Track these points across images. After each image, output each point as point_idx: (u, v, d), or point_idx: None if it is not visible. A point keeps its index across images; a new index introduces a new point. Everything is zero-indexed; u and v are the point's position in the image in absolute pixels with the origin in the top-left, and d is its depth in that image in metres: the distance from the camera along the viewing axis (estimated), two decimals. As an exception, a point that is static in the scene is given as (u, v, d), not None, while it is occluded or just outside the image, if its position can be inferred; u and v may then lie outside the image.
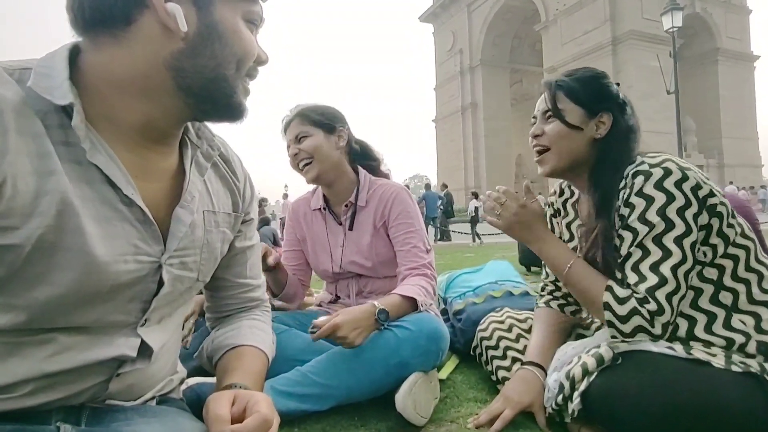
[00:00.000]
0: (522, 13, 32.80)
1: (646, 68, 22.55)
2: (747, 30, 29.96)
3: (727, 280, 0.97)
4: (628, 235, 0.97)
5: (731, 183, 20.95)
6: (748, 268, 0.97)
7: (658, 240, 0.93)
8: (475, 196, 12.02)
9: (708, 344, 0.94)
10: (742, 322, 0.94)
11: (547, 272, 1.35)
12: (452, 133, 36.81)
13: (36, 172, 0.53)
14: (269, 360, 0.85)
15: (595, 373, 0.91)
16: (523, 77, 36.84)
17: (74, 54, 0.59)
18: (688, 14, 19.05)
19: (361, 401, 1.19)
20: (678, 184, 0.93)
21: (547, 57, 29.05)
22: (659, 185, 0.94)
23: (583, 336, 1.22)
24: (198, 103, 0.63)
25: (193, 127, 0.73)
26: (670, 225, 0.92)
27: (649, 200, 0.94)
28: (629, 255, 0.96)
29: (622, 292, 0.94)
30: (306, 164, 1.44)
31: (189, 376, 0.91)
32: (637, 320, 0.91)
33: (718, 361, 0.88)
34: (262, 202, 13.25)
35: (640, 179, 0.96)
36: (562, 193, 1.29)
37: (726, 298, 0.96)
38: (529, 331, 1.33)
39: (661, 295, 0.91)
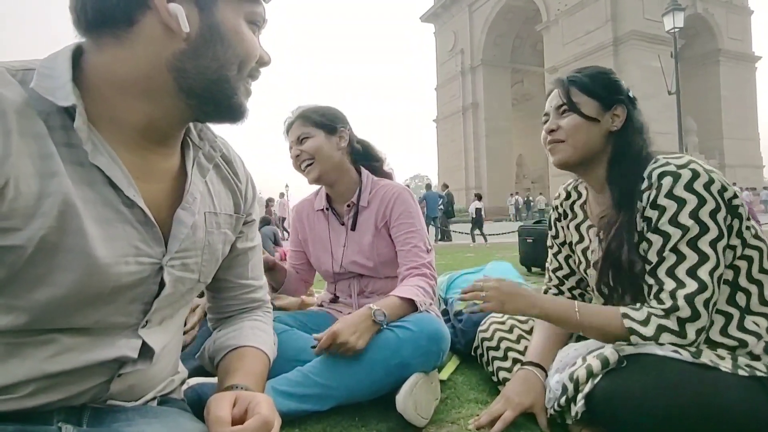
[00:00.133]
0: (523, 13, 32.79)
1: (648, 68, 22.53)
2: (748, 31, 29.93)
3: (743, 281, 0.96)
4: (657, 239, 0.95)
5: (734, 184, 20.89)
6: (762, 270, 0.97)
7: (693, 244, 0.91)
8: (478, 197, 11.99)
9: (721, 346, 0.93)
10: (755, 323, 0.94)
11: (550, 276, 1.35)
12: (453, 133, 36.80)
13: (38, 173, 0.53)
14: (270, 361, 0.85)
15: (600, 376, 0.90)
16: (524, 77, 36.83)
17: (77, 55, 0.59)
18: (689, 15, 19.02)
19: (362, 402, 1.19)
20: (707, 187, 0.92)
21: (548, 57, 29.03)
22: (689, 187, 0.92)
23: (584, 338, 1.22)
24: (199, 104, 0.63)
25: (195, 129, 0.73)
26: (704, 228, 0.91)
27: (681, 203, 0.92)
28: (663, 259, 0.94)
29: (639, 315, 0.93)
30: (308, 165, 1.45)
31: (190, 376, 0.92)
32: (666, 337, 0.90)
33: (726, 365, 0.88)
34: (269, 202, 13.29)
35: (668, 180, 0.94)
36: (568, 196, 1.27)
37: (741, 299, 0.96)
38: (530, 332, 1.33)
39: (699, 301, 0.89)
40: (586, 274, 1.20)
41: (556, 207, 1.31)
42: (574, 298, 1.31)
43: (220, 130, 0.76)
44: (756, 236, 0.97)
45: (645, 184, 0.98)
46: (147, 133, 0.63)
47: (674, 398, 0.84)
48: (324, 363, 1.18)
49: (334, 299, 1.59)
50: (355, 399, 1.18)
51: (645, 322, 0.92)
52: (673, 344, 0.90)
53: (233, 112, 0.66)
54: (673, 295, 0.91)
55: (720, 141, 27.86)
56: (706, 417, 0.82)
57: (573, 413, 0.93)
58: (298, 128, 1.46)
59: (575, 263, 1.25)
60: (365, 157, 1.57)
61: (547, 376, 1.12)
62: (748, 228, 0.96)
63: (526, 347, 1.28)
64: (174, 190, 0.68)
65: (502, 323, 1.39)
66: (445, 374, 1.46)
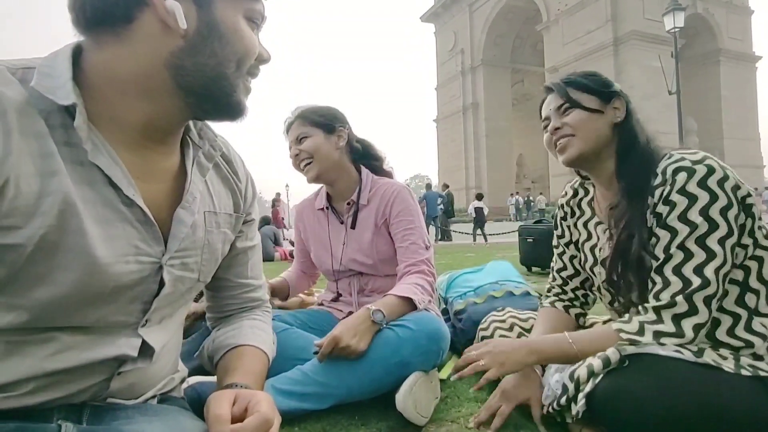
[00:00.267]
0: (523, 13, 32.80)
1: (648, 68, 22.55)
2: (749, 30, 29.94)
3: (753, 282, 0.95)
4: (665, 235, 0.94)
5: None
6: None
7: (701, 241, 0.90)
8: (478, 197, 11.96)
9: (726, 346, 0.93)
10: (763, 324, 0.93)
11: (554, 275, 1.35)
12: (453, 133, 36.82)
13: (39, 172, 0.53)
14: (270, 360, 0.85)
15: (601, 375, 0.89)
16: (524, 77, 36.85)
17: (77, 54, 0.59)
18: (690, 15, 19.01)
19: (362, 400, 1.19)
20: (720, 184, 0.91)
21: (548, 57, 29.04)
22: (703, 183, 0.91)
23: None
24: (198, 102, 0.63)
25: (195, 128, 0.73)
26: (713, 225, 0.90)
27: (692, 199, 0.91)
28: (670, 257, 0.93)
29: (632, 327, 0.93)
30: (307, 164, 1.47)
31: (190, 374, 0.92)
32: (666, 340, 0.90)
33: (728, 365, 0.87)
34: (275, 202, 13.33)
35: (682, 176, 0.93)
36: (575, 193, 1.27)
37: (750, 300, 0.95)
38: (530, 330, 1.33)
39: (699, 297, 0.89)
40: (593, 272, 1.20)
41: (562, 205, 1.30)
42: (577, 298, 1.31)
43: (220, 127, 0.76)
44: (767, 236, 0.96)
45: (659, 180, 0.97)
46: (146, 131, 0.63)
47: (676, 398, 0.83)
48: (324, 362, 1.18)
49: (335, 298, 1.60)
50: (354, 398, 1.18)
51: (640, 332, 0.92)
52: (675, 344, 0.90)
53: (232, 110, 0.66)
54: (674, 294, 0.91)
55: (720, 141, 27.86)
56: (708, 417, 0.82)
57: (574, 412, 0.93)
58: (297, 128, 1.48)
59: (582, 262, 1.25)
60: (365, 156, 1.58)
61: (544, 369, 1.13)
62: (760, 228, 0.95)
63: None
64: (174, 190, 0.68)
65: (503, 321, 1.39)
66: (445, 373, 1.46)
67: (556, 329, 1.23)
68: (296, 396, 1.13)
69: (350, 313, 1.50)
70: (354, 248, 1.50)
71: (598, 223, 1.18)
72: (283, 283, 1.67)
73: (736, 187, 0.92)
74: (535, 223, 4.82)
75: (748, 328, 0.93)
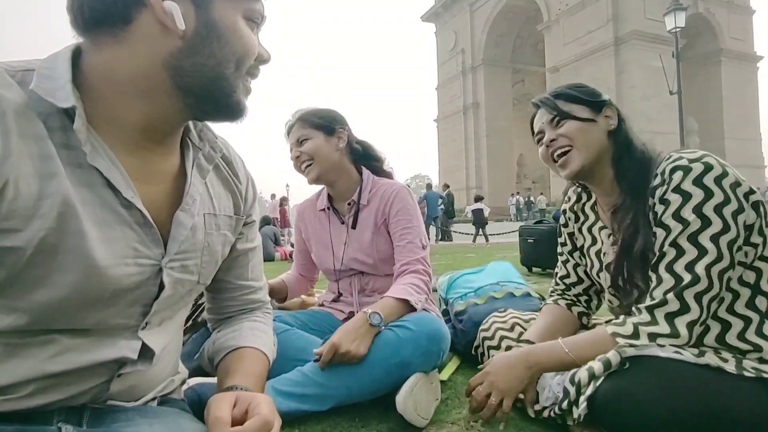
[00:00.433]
0: (524, 13, 32.79)
1: (649, 68, 22.48)
2: (750, 30, 29.91)
3: (764, 284, 0.94)
4: (660, 233, 0.94)
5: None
6: None
7: (693, 238, 0.90)
8: (476, 199, 11.92)
9: (732, 350, 0.92)
10: None
11: (557, 281, 1.35)
12: (454, 132, 36.84)
13: (38, 174, 0.53)
14: (270, 362, 0.85)
15: (602, 378, 0.89)
16: (525, 77, 36.86)
17: (76, 55, 0.59)
18: (691, 14, 19.03)
19: (362, 402, 1.19)
20: (718, 180, 0.90)
21: (549, 57, 29.03)
22: (698, 181, 0.91)
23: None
24: (197, 103, 0.63)
25: (195, 129, 0.73)
26: (706, 222, 0.89)
27: (686, 196, 0.91)
28: (663, 255, 0.94)
29: (626, 330, 0.93)
30: (307, 165, 1.49)
31: (190, 376, 0.91)
32: (662, 341, 0.90)
33: (730, 367, 0.87)
34: (283, 201, 13.38)
35: (678, 175, 0.93)
36: (579, 198, 1.27)
37: (762, 303, 0.94)
38: (531, 331, 1.33)
39: (689, 294, 0.89)
40: (598, 277, 1.19)
41: (565, 211, 1.30)
42: (579, 302, 1.31)
43: (220, 129, 0.76)
44: None
45: (658, 180, 0.97)
46: (146, 133, 0.63)
47: (678, 399, 0.83)
48: (324, 365, 1.18)
49: (336, 298, 1.60)
50: (354, 399, 1.18)
51: (635, 335, 0.92)
52: (672, 345, 0.90)
53: (232, 110, 0.66)
54: (666, 292, 0.91)
55: (721, 141, 27.84)
56: (710, 418, 0.82)
57: (575, 416, 0.92)
58: (297, 130, 1.50)
59: (588, 268, 1.24)
60: (365, 157, 1.60)
61: None
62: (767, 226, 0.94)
63: (526, 346, 1.27)
64: (173, 192, 0.68)
65: (504, 322, 1.39)
66: (445, 375, 1.46)
67: (556, 324, 1.23)
68: (296, 397, 1.13)
69: (351, 313, 1.51)
70: (355, 248, 1.52)
71: (602, 228, 1.18)
72: (281, 284, 1.68)
73: (737, 185, 0.91)
74: (535, 223, 4.81)
75: (759, 332, 0.92)
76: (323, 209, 1.60)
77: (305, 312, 1.58)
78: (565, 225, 1.30)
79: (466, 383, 1.38)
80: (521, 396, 1.08)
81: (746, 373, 0.86)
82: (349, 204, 1.54)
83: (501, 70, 35.03)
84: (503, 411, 1.01)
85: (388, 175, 1.63)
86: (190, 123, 0.72)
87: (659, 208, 0.95)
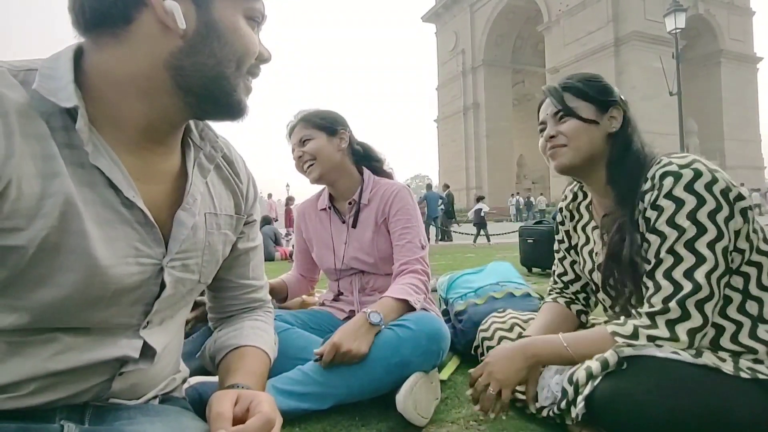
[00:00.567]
0: (525, 14, 32.81)
1: (649, 69, 22.51)
2: (750, 32, 29.93)
3: (753, 289, 0.95)
4: (654, 239, 0.94)
5: (742, 185, 20.77)
6: None
7: (690, 245, 0.90)
8: (478, 199, 11.93)
9: (726, 351, 0.93)
10: None
11: (555, 279, 1.35)
12: (454, 133, 36.84)
13: (40, 174, 0.53)
14: (271, 361, 0.85)
15: (600, 378, 0.89)
16: (525, 78, 36.86)
17: (78, 55, 0.59)
18: (691, 16, 19.01)
19: (362, 401, 1.20)
20: (708, 187, 0.90)
21: (549, 58, 29.04)
22: (690, 187, 0.91)
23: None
24: (198, 102, 0.63)
25: (196, 129, 0.73)
26: (701, 229, 0.90)
27: (679, 203, 0.91)
28: (660, 261, 0.93)
29: (626, 330, 0.93)
30: (309, 165, 1.50)
31: (191, 375, 0.92)
32: (661, 344, 0.90)
33: (727, 367, 0.87)
34: (289, 201, 13.42)
35: (669, 181, 0.93)
36: (575, 197, 1.27)
37: (752, 307, 0.94)
38: (530, 331, 1.33)
39: (691, 302, 0.89)
40: (591, 276, 1.20)
41: (562, 209, 1.30)
42: (578, 300, 1.31)
43: (221, 128, 0.76)
44: (765, 240, 0.95)
45: (647, 185, 0.97)
46: (147, 132, 0.63)
47: (675, 399, 0.83)
48: (325, 364, 1.19)
49: (336, 298, 1.61)
50: (355, 398, 1.18)
51: (634, 336, 0.92)
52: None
53: (233, 110, 0.66)
54: (666, 299, 0.91)
55: (721, 142, 27.86)
56: (707, 418, 0.82)
57: (573, 415, 0.93)
58: (300, 131, 1.51)
59: (582, 266, 1.25)
60: (366, 158, 1.61)
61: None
62: (755, 231, 0.94)
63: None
64: (174, 191, 0.68)
65: (503, 322, 1.40)
66: (445, 374, 1.46)
67: (555, 322, 1.23)
68: (296, 396, 1.14)
69: (351, 312, 1.51)
70: (355, 247, 1.53)
71: (595, 228, 1.18)
72: (281, 284, 1.68)
73: (727, 190, 0.91)
74: (535, 223, 4.81)
75: (753, 335, 0.93)
76: (324, 209, 1.61)
77: (306, 311, 1.58)
78: (562, 223, 1.30)
79: (466, 383, 1.39)
80: (521, 396, 1.08)
81: (743, 374, 0.87)
82: (350, 203, 1.55)
83: (501, 71, 35.04)
84: (502, 402, 1.02)
85: (389, 176, 1.64)
86: (191, 122, 0.72)
87: (651, 214, 0.95)
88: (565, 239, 1.30)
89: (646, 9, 24.75)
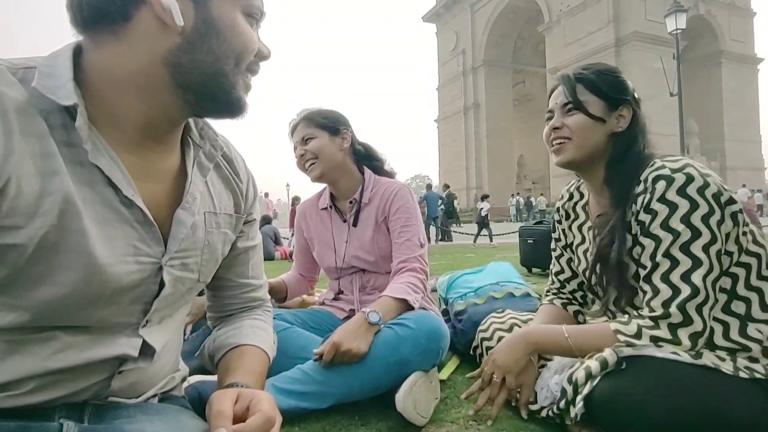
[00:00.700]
0: (525, 14, 32.80)
1: (649, 70, 22.48)
2: (751, 32, 29.91)
3: (741, 290, 0.95)
4: (649, 243, 0.95)
5: (744, 186, 20.77)
6: (760, 277, 0.95)
7: (686, 249, 0.91)
8: (482, 198, 11.96)
9: (722, 349, 0.93)
10: (759, 330, 0.93)
11: (552, 278, 1.35)
12: (454, 133, 36.83)
13: (40, 172, 0.53)
14: (270, 360, 0.85)
15: (599, 377, 0.90)
16: (525, 78, 36.84)
17: (77, 53, 0.59)
18: (691, 16, 19.01)
19: (362, 400, 1.20)
20: (701, 191, 0.91)
21: (550, 58, 29.02)
22: (682, 192, 0.91)
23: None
24: (197, 100, 0.63)
25: (195, 127, 0.73)
26: (696, 233, 0.90)
27: (672, 207, 0.92)
28: (657, 265, 0.94)
29: (629, 329, 0.93)
30: (311, 164, 1.50)
31: (191, 373, 0.92)
32: (663, 344, 0.90)
33: (727, 367, 0.88)
34: (295, 200, 13.46)
35: (661, 184, 0.93)
36: (571, 197, 1.28)
37: (739, 307, 0.95)
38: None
39: (691, 306, 0.89)
40: (585, 276, 1.20)
41: (558, 209, 1.31)
42: (575, 299, 1.31)
43: (220, 127, 0.76)
44: (754, 242, 0.96)
45: (640, 188, 0.97)
46: (146, 131, 0.63)
47: (674, 400, 0.83)
48: (324, 363, 1.19)
49: (336, 297, 1.61)
50: (354, 397, 1.18)
51: (637, 335, 0.92)
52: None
53: (232, 107, 0.66)
54: (666, 303, 0.91)
55: (721, 143, 27.84)
56: (706, 419, 0.82)
57: (572, 415, 0.93)
58: (302, 129, 1.52)
59: (576, 265, 1.25)
60: (367, 158, 1.62)
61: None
62: (745, 233, 0.95)
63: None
64: (174, 190, 0.68)
65: (502, 323, 1.40)
66: (445, 374, 1.46)
67: (552, 323, 1.23)
68: (296, 395, 1.14)
69: (351, 311, 1.51)
70: (356, 245, 1.53)
71: (590, 228, 1.19)
72: (281, 284, 1.68)
73: (718, 194, 0.91)
74: (535, 224, 4.81)
75: (744, 334, 0.93)
76: (325, 208, 1.61)
77: (305, 310, 1.59)
78: (559, 221, 1.31)
79: (466, 383, 1.39)
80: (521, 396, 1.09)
81: (742, 374, 0.87)
82: (350, 203, 1.55)
83: (502, 71, 35.03)
84: (508, 388, 1.03)
85: (390, 175, 1.65)
86: (191, 121, 0.72)
87: (645, 218, 0.95)
88: (562, 237, 1.31)
89: (647, 9, 24.74)
